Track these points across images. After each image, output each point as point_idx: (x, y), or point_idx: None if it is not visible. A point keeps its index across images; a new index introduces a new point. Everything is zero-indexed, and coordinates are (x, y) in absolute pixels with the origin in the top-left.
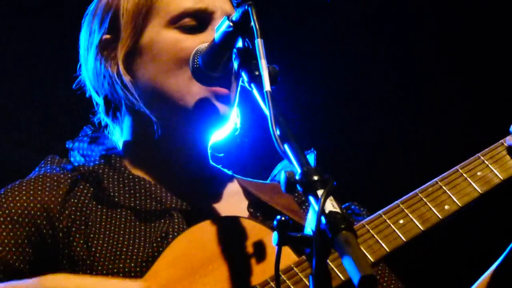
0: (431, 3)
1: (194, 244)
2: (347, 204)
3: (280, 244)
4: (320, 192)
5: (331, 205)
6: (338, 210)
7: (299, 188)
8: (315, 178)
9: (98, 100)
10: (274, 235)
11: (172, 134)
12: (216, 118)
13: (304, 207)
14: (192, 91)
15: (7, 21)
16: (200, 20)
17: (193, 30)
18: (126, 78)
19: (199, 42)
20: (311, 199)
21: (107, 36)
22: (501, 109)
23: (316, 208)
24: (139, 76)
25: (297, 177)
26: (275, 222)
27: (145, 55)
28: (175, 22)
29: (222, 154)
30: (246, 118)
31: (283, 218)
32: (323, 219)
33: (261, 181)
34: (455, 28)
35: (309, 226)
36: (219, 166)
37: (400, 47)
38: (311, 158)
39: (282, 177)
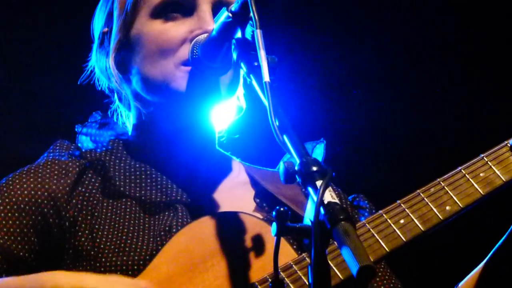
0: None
1: (194, 240)
2: (353, 195)
3: (278, 234)
4: (319, 183)
5: (330, 196)
6: (336, 200)
7: (298, 178)
8: (314, 168)
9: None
10: (273, 226)
11: (170, 121)
12: (207, 91)
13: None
14: (177, 75)
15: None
16: (184, 6)
17: (178, 17)
18: (115, 73)
19: (184, 30)
20: (310, 189)
21: (105, 30)
22: (506, 110)
23: (315, 198)
24: (131, 68)
25: (296, 168)
26: (274, 213)
27: (134, 48)
28: (159, 11)
29: (224, 137)
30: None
31: (282, 209)
32: (322, 210)
33: (269, 169)
34: (464, 25)
35: (308, 217)
36: (227, 153)
37: (403, 44)
38: (321, 147)
39: (281, 168)
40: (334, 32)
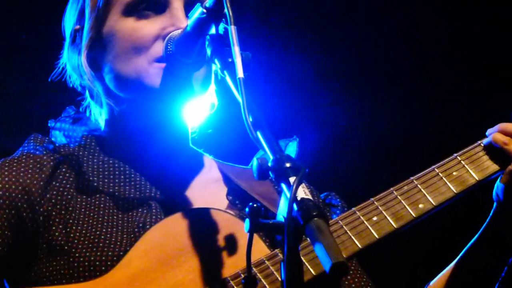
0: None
1: (167, 236)
2: (326, 193)
3: (251, 230)
4: (292, 179)
5: (303, 192)
6: (310, 197)
7: (271, 175)
8: (287, 165)
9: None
10: (246, 222)
11: (143, 114)
12: (181, 87)
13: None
14: (151, 71)
15: None
16: (156, 3)
17: (150, 15)
18: (87, 71)
19: (157, 28)
20: (283, 186)
21: (77, 27)
22: (480, 110)
23: (288, 195)
24: (103, 66)
25: (269, 164)
26: (247, 209)
27: (106, 45)
28: (131, 9)
29: (197, 131)
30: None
31: (255, 205)
32: (294, 206)
33: (242, 166)
34: (437, 29)
35: (281, 213)
36: (200, 150)
37: (378, 40)
38: (293, 145)
39: (254, 164)
40: (309, 27)
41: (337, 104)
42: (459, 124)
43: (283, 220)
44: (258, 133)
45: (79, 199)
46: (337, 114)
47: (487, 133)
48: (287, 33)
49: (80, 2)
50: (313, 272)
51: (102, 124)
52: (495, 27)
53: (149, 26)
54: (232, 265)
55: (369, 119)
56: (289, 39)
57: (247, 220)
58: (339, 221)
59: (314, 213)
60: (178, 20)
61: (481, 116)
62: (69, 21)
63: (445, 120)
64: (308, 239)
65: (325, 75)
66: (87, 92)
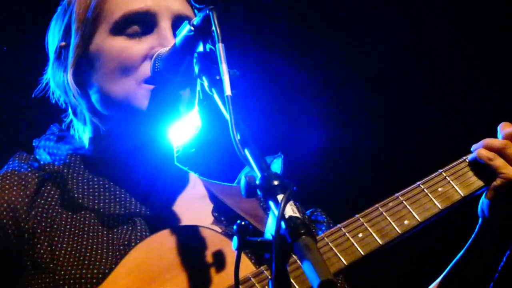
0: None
1: (152, 253)
2: (311, 210)
3: (239, 248)
4: (280, 197)
5: (291, 210)
6: (298, 215)
7: (259, 193)
8: (275, 183)
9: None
10: (234, 240)
11: (128, 139)
12: (167, 112)
13: (269, 212)
14: (139, 93)
15: None
16: (144, 23)
17: (139, 35)
18: (73, 88)
19: (145, 48)
20: (271, 204)
21: (62, 44)
22: (466, 126)
23: (276, 213)
24: (90, 84)
25: (257, 182)
26: (235, 227)
27: (93, 63)
28: (120, 28)
29: (181, 148)
30: (214, 119)
31: (243, 223)
32: (282, 224)
33: (227, 183)
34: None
35: (269, 231)
36: (185, 168)
37: (370, 60)
38: (278, 162)
39: (242, 182)
40: (292, 44)
41: (321, 120)
42: (444, 139)
43: (271, 238)
44: (246, 151)
45: (64, 216)
46: (322, 130)
47: (472, 149)
48: (272, 48)
49: (66, 19)
50: None
51: (86, 142)
52: (472, 48)
53: (137, 46)
54: (219, 283)
55: (355, 135)
56: (274, 53)
57: (235, 238)
58: (325, 238)
59: (302, 231)
60: (166, 40)
61: (466, 131)
62: (53, 37)
63: (430, 136)
64: (295, 256)
65: (310, 89)
66: (69, 109)
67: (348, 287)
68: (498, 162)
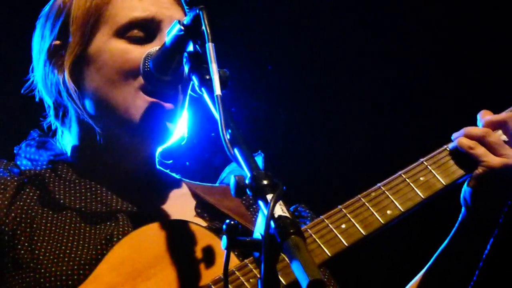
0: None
1: (136, 248)
2: (294, 206)
3: (229, 248)
4: (269, 197)
5: (280, 210)
6: (287, 214)
7: (248, 192)
8: (265, 182)
9: (49, 103)
10: (223, 239)
11: (117, 144)
12: (159, 134)
13: (251, 209)
14: (137, 104)
15: None
16: (147, 30)
17: (141, 41)
18: (71, 87)
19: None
20: (261, 203)
21: (57, 42)
22: (446, 114)
23: (266, 212)
24: (85, 85)
25: (246, 181)
26: (224, 226)
27: (92, 64)
28: (123, 32)
29: (171, 161)
30: (195, 121)
31: (232, 222)
32: (272, 224)
33: (209, 184)
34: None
35: (259, 230)
36: (167, 171)
37: (348, 61)
38: (259, 160)
39: (232, 181)
40: (282, 44)
41: (301, 116)
42: (423, 129)
43: (260, 237)
44: (236, 150)
45: (44, 215)
46: (301, 126)
47: (452, 137)
48: (253, 46)
49: (62, 18)
50: (283, 281)
51: (68, 147)
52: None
53: (138, 51)
54: (203, 277)
55: (338, 127)
56: (254, 51)
57: (224, 237)
58: (308, 230)
59: (292, 231)
60: None
61: (447, 120)
62: (44, 36)
63: (410, 127)
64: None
65: (288, 88)
66: (51, 111)
67: (335, 283)
68: (479, 150)
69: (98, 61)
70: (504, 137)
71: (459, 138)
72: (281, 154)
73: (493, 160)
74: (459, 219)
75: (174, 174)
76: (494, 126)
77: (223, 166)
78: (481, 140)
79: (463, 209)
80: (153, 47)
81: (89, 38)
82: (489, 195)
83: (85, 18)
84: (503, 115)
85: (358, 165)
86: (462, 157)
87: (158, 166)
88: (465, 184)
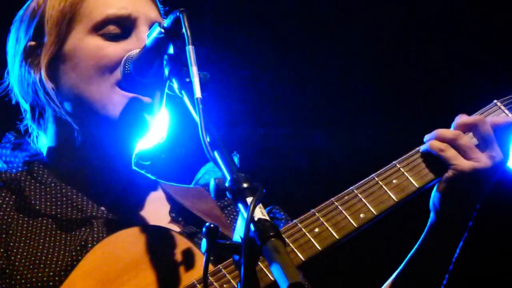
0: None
1: (109, 255)
2: (269, 207)
3: (208, 251)
4: (249, 200)
5: (260, 213)
6: (267, 217)
7: (228, 195)
8: (245, 185)
9: (25, 106)
10: (203, 242)
11: (94, 142)
12: (139, 127)
13: (226, 211)
14: (114, 99)
15: None
16: (123, 27)
17: (116, 38)
18: (48, 85)
19: (122, 50)
20: (241, 206)
21: (32, 43)
22: (418, 117)
23: (245, 215)
24: (62, 83)
25: (226, 184)
26: (204, 229)
27: (68, 62)
28: (98, 29)
29: (149, 162)
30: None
31: (212, 225)
32: (252, 227)
33: (185, 185)
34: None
35: (238, 233)
36: (142, 172)
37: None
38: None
39: (211, 184)
40: (264, 46)
41: (278, 119)
42: (397, 131)
43: (240, 240)
44: (216, 153)
45: (20, 222)
46: (278, 129)
47: (424, 139)
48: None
49: (37, 18)
50: (271, 277)
51: (44, 149)
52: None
53: (114, 47)
54: (176, 282)
55: (313, 130)
56: (236, 57)
57: (204, 240)
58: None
59: (271, 234)
60: (144, 43)
61: (418, 123)
62: (19, 38)
63: (383, 127)
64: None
65: (266, 91)
66: (28, 113)
67: (306, 280)
68: (450, 153)
69: (74, 58)
70: (475, 140)
71: (430, 141)
72: (257, 154)
73: (463, 163)
74: (428, 223)
75: (149, 176)
76: (465, 128)
77: (198, 165)
78: (452, 143)
79: (431, 214)
80: (128, 45)
81: (65, 36)
82: (458, 199)
83: (60, 16)
84: (473, 118)
85: (332, 168)
86: (433, 159)
87: (134, 167)
88: (434, 189)
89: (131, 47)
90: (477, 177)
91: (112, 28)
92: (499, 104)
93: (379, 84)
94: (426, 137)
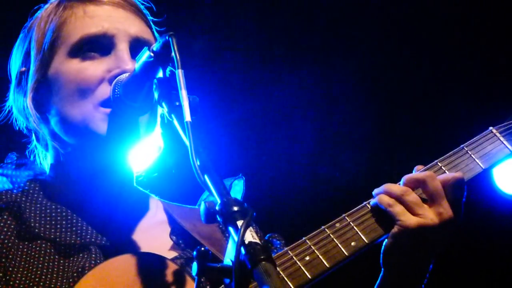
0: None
1: (103, 280)
2: (269, 234)
3: (199, 274)
4: (240, 223)
5: (250, 236)
6: (257, 240)
7: (219, 218)
8: (235, 208)
9: (28, 126)
10: (194, 266)
11: (88, 159)
12: (128, 134)
13: (227, 234)
14: (97, 117)
15: None
16: (101, 45)
17: (96, 57)
18: (32, 113)
19: (102, 69)
20: (231, 229)
21: (23, 69)
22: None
23: (236, 238)
24: (50, 108)
25: (217, 208)
26: (194, 252)
27: (52, 86)
28: (76, 50)
29: (156, 174)
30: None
31: (202, 249)
32: (242, 250)
33: (188, 206)
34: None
35: (229, 257)
36: (146, 191)
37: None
38: (240, 183)
39: (202, 207)
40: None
41: (283, 141)
42: (393, 158)
43: (231, 263)
44: (206, 177)
45: (20, 246)
46: (284, 152)
47: (373, 193)
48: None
49: (26, 44)
50: None
51: (47, 168)
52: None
53: (94, 67)
54: None
55: (312, 159)
56: (234, 77)
57: (195, 263)
58: None
59: (262, 257)
60: (124, 62)
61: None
62: (15, 63)
63: (378, 162)
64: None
65: (270, 113)
66: (33, 135)
67: None
68: (397, 208)
69: (56, 83)
70: (424, 196)
71: (379, 195)
72: (259, 179)
73: (409, 220)
74: (379, 280)
75: (153, 195)
76: (414, 184)
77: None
78: (399, 199)
79: (382, 269)
80: (108, 64)
81: (48, 62)
82: (405, 255)
83: (43, 42)
84: (422, 174)
85: (324, 194)
86: (383, 214)
87: (136, 185)
88: (383, 244)
89: (110, 66)
90: (423, 234)
91: (89, 48)
92: (494, 131)
93: (371, 106)
94: (375, 191)
